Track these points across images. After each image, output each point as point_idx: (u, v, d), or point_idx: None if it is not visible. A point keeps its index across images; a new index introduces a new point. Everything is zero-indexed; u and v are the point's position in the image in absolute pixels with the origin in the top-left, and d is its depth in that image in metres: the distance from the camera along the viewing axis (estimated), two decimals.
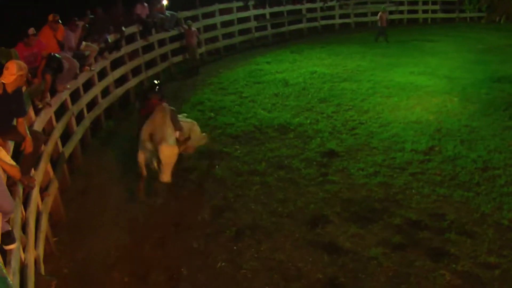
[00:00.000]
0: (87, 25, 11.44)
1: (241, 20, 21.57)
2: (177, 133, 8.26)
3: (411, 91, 13.99)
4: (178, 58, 17.62)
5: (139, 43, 15.04)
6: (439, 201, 8.10)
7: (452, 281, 6.27)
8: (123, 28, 13.81)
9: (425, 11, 27.52)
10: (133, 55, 14.74)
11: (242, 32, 21.74)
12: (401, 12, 27.41)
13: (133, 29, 14.79)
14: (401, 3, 27.28)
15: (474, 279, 6.31)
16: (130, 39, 14.68)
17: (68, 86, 9.75)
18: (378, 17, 22.18)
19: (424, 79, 15.27)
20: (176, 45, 17.47)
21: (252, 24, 22.08)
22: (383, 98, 13.42)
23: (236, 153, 10.11)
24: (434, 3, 27.74)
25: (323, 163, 9.62)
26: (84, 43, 11.28)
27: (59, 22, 10.04)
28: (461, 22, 27.25)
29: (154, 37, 15.98)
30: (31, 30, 8.73)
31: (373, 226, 7.46)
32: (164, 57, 16.80)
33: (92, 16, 12.52)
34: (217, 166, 9.54)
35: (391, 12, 26.74)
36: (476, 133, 10.72)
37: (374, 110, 12.42)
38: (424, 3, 27.68)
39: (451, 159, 9.56)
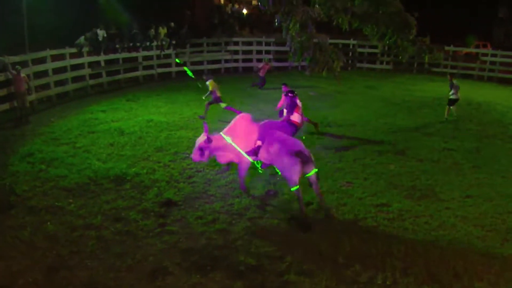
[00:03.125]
0: None
1: (75, 67, 20.92)
2: None
3: None
4: (5, 106, 16.57)
5: None
6: (278, 244, 8.39)
7: None
8: None
9: (259, 60, 28.57)
10: None
11: (75, 79, 21.02)
12: (236, 61, 28.64)
13: None
14: (236, 53, 28.49)
15: None
16: None
17: None
18: (260, 66, 23.66)
19: None
20: (2, 92, 16.43)
21: (86, 71, 21.50)
22: None
23: (70, 207, 9.65)
24: (267, 53, 29.28)
25: (161, 213, 9.54)
26: None
27: None
28: (294, 71, 29.08)
29: None
30: None
31: (214, 274, 7.51)
32: None
33: None
34: (49, 222, 9.00)
35: (227, 61, 27.87)
36: None
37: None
38: (258, 53, 29.12)
39: (287, 202, 10.04)
